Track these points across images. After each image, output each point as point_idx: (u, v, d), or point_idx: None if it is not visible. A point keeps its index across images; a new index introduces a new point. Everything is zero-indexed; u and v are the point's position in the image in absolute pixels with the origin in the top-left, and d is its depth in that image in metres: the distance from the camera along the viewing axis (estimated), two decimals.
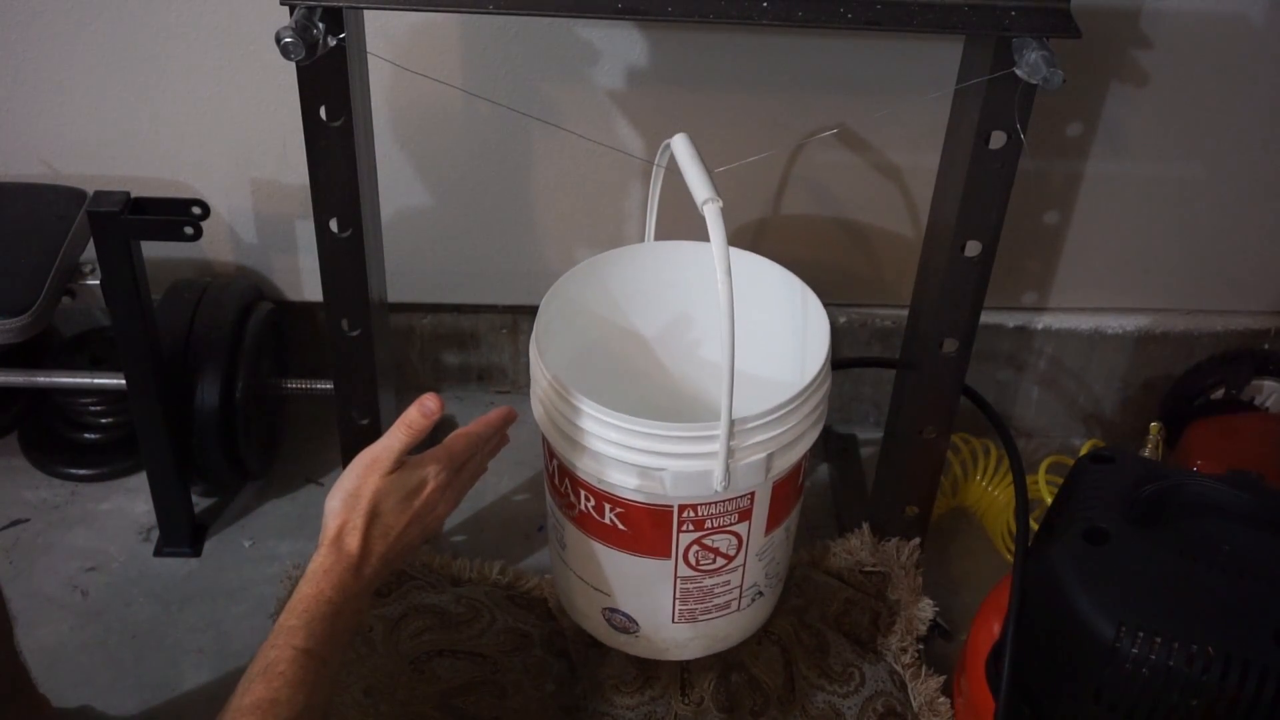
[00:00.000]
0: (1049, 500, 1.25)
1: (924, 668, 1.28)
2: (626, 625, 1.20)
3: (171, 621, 1.34)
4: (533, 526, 1.47)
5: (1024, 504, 1.24)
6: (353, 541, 0.96)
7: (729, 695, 1.25)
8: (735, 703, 1.24)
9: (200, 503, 1.47)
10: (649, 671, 1.26)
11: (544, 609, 1.33)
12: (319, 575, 0.94)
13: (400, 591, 1.32)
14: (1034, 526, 1.19)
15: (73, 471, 1.50)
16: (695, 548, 1.12)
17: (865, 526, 1.40)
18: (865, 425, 1.62)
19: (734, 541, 1.13)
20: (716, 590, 1.16)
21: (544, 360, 1.11)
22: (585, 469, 1.09)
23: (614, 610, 1.19)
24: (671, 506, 1.08)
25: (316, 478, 1.52)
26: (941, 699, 1.25)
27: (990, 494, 1.48)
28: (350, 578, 0.94)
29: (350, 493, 0.98)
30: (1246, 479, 1.09)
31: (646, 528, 1.10)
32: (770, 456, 1.07)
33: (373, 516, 0.97)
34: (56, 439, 1.52)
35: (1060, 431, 1.64)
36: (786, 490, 1.14)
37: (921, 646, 1.31)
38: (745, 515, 1.11)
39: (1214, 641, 0.94)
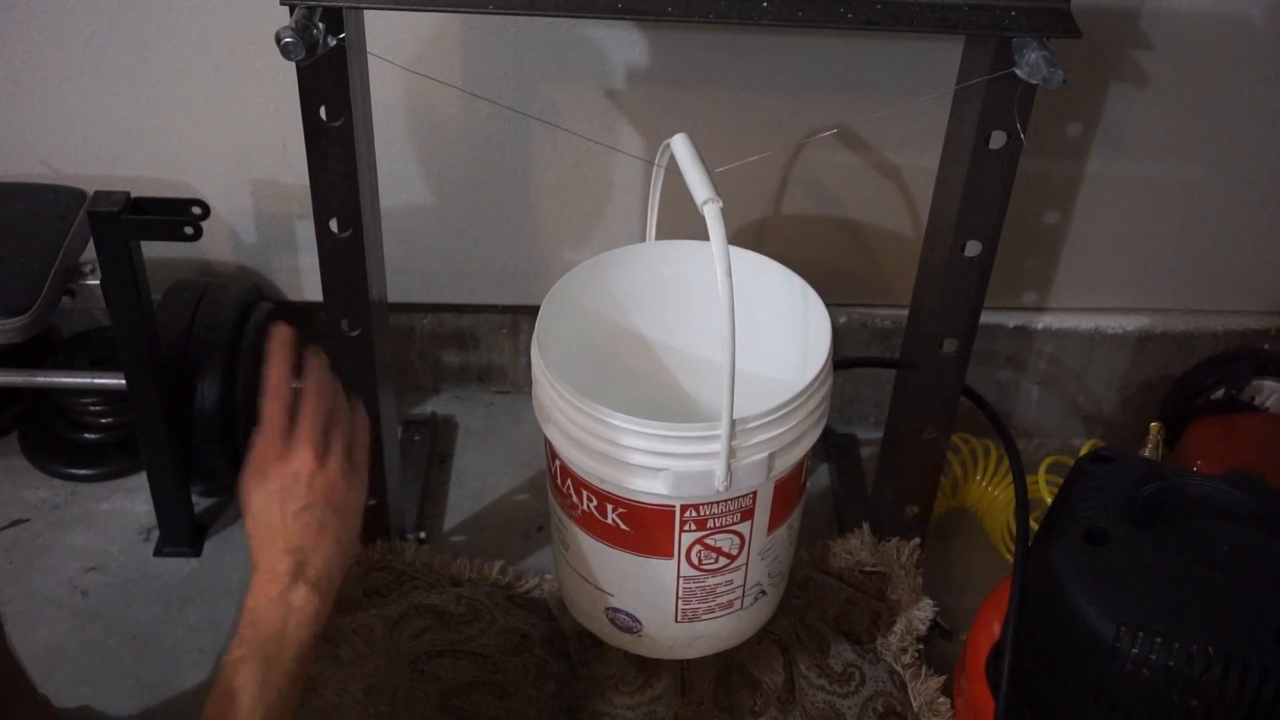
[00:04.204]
0: (1049, 500, 1.25)
1: (924, 668, 1.28)
2: (630, 625, 1.20)
3: (171, 621, 1.34)
4: (533, 526, 1.47)
5: (1024, 504, 1.24)
6: (259, 557, 0.97)
7: (729, 695, 1.25)
8: (735, 703, 1.24)
9: (200, 503, 1.47)
10: (649, 671, 1.26)
11: (544, 609, 1.33)
12: (246, 594, 0.96)
13: (400, 591, 1.32)
14: (1034, 526, 1.19)
15: (73, 471, 1.50)
16: (698, 547, 1.12)
17: (865, 526, 1.41)
18: (865, 425, 1.62)
19: (736, 541, 1.13)
20: (719, 589, 1.16)
21: (545, 360, 1.11)
22: (587, 469, 1.09)
23: (617, 610, 1.19)
24: (674, 506, 1.08)
25: None
26: (941, 699, 1.25)
27: (990, 494, 1.48)
28: (263, 586, 0.95)
29: (247, 515, 0.99)
30: (1246, 479, 1.09)
31: (649, 528, 1.10)
32: (772, 456, 1.07)
33: (261, 526, 0.97)
34: (56, 439, 1.52)
35: (1060, 431, 1.64)
36: (789, 489, 1.14)
37: (921, 646, 1.31)
38: (747, 514, 1.11)
39: (1214, 641, 0.94)
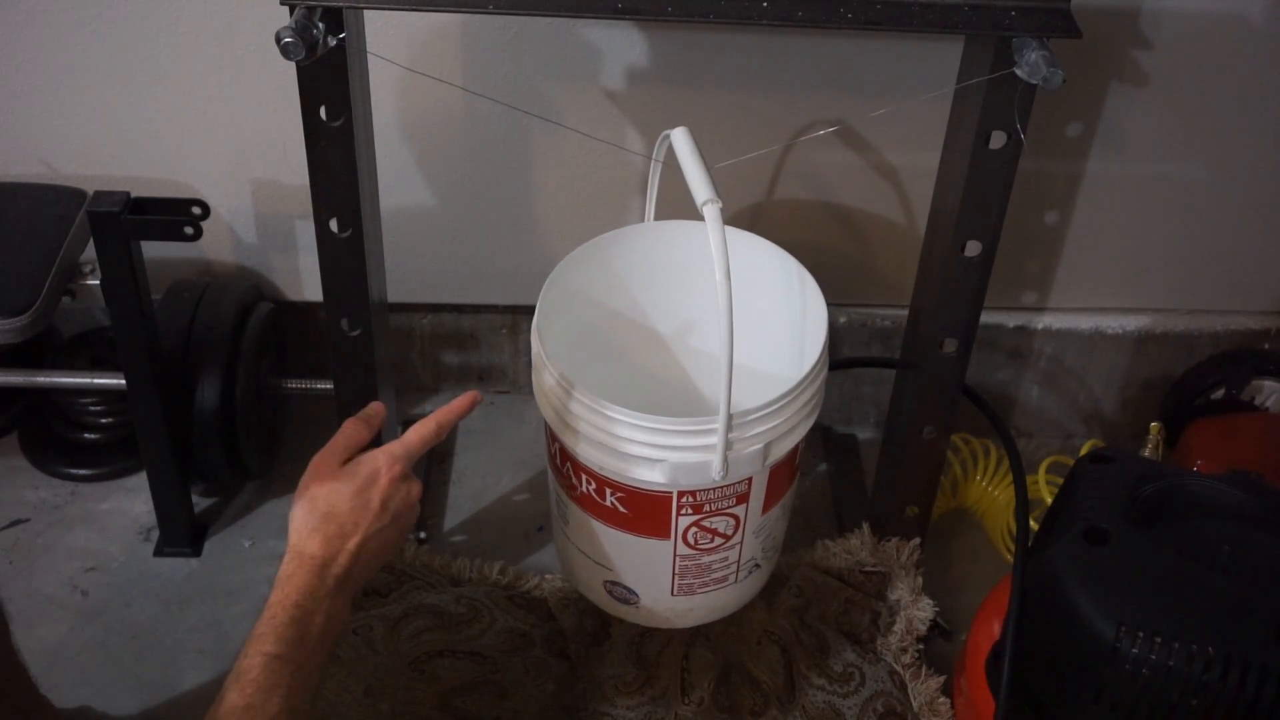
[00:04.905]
0: (1049, 500, 1.25)
1: (924, 668, 1.28)
2: (627, 597, 1.21)
3: (171, 621, 1.34)
4: (533, 526, 1.47)
5: (1024, 504, 1.24)
6: (313, 545, 0.95)
7: (729, 695, 1.25)
8: (735, 703, 1.24)
9: (200, 503, 1.47)
10: (649, 671, 1.26)
11: (544, 609, 1.33)
12: (284, 581, 0.93)
13: (400, 591, 1.32)
14: (1034, 526, 1.19)
15: (73, 471, 1.50)
16: (694, 529, 1.13)
17: (865, 526, 1.41)
18: (865, 425, 1.62)
19: (732, 523, 1.14)
20: (714, 566, 1.17)
21: (545, 345, 1.11)
22: (586, 456, 1.10)
23: (615, 583, 1.20)
24: (671, 492, 1.09)
25: None
26: (941, 699, 1.25)
27: (990, 494, 1.48)
28: (315, 581, 0.93)
29: (304, 498, 0.97)
30: (1246, 479, 1.09)
31: (646, 511, 1.11)
32: (767, 446, 1.08)
33: (327, 517, 0.96)
34: (56, 439, 1.52)
35: (1060, 431, 1.64)
36: (783, 473, 1.15)
37: (921, 646, 1.31)
38: (743, 499, 1.12)
39: (1214, 641, 0.94)
